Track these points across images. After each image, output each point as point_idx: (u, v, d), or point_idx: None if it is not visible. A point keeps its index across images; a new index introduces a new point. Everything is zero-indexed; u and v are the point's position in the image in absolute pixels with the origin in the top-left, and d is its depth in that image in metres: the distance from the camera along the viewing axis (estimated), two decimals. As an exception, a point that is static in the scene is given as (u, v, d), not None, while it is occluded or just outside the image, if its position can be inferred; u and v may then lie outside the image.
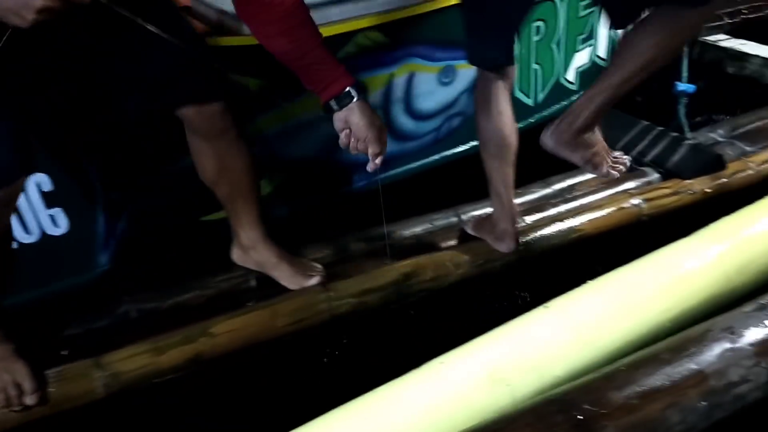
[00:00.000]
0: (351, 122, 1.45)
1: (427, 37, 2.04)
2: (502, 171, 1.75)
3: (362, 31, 1.91)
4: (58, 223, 1.68)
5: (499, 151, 1.71)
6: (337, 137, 1.50)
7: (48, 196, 1.64)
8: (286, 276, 1.75)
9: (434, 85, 2.12)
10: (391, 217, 1.85)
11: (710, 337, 1.15)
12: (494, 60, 1.62)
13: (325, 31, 1.42)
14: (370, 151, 1.48)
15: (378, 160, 1.51)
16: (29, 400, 1.41)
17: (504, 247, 1.83)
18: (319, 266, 1.78)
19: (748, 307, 1.20)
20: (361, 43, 1.93)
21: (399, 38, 1.98)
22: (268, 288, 1.73)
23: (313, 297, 1.66)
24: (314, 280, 1.73)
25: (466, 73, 2.16)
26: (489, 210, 1.89)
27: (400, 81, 2.05)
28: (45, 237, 1.65)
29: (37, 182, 1.61)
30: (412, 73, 2.06)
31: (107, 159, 1.70)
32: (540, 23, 2.24)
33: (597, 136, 1.81)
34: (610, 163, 1.90)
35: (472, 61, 1.67)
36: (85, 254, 1.74)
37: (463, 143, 2.28)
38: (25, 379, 1.41)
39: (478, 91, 1.69)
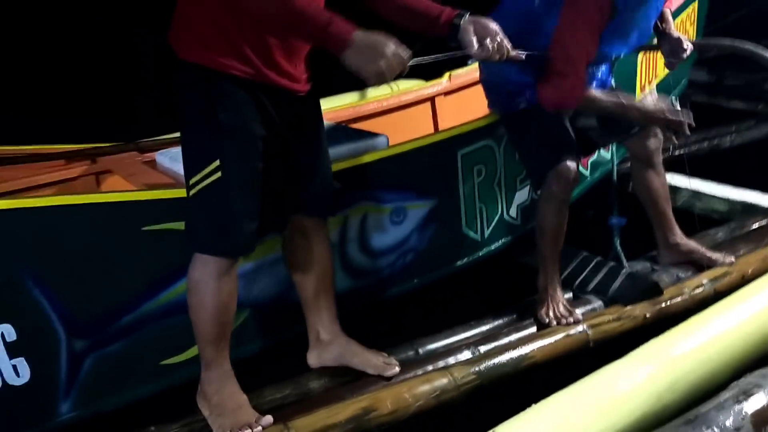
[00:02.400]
0: (478, 27, 1.72)
1: (376, 182, 2.22)
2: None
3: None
4: (20, 372, 1.70)
5: None
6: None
7: (11, 346, 1.67)
8: (367, 363, 1.94)
9: (386, 224, 2.27)
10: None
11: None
12: None
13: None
14: (509, 49, 1.76)
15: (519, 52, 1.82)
16: None
17: None
18: (394, 360, 1.97)
19: (677, 422, 1.28)
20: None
21: (351, 184, 2.15)
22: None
23: (274, 437, 1.68)
24: (394, 370, 1.92)
25: (415, 212, 2.33)
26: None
27: (354, 221, 2.19)
28: (5, 387, 1.66)
29: (1, 332, 1.65)
30: (365, 214, 2.21)
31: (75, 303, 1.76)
32: (480, 166, 2.45)
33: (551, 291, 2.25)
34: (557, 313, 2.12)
35: None
36: (46, 403, 1.74)
37: (417, 277, 2.40)
38: None
39: None
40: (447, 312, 2.36)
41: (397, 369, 1.94)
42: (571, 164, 2.12)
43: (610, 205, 2.55)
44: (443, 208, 2.39)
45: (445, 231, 2.43)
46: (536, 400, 1.63)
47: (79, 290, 1.75)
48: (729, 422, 1.23)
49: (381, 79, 1.50)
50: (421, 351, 2.12)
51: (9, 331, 1.66)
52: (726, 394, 1.33)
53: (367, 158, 2.16)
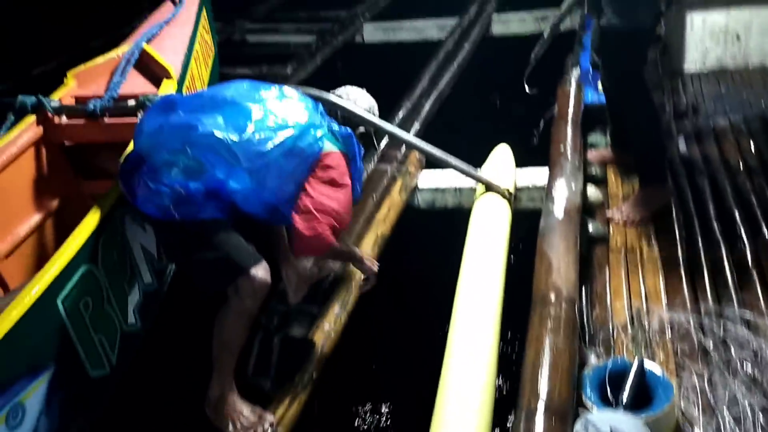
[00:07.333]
0: None
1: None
2: None
3: None
4: None
5: None
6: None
7: None
8: None
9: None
10: None
11: None
12: None
13: None
14: None
15: None
16: None
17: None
18: None
19: None
20: None
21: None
22: None
23: None
24: None
25: (34, 397, 1.78)
26: None
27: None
28: None
29: None
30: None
31: None
32: (87, 298, 1.98)
33: None
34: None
35: None
36: None
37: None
38: None
39: None
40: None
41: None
42: (264, 272, 1.94)
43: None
44: (62, 369, 1.88)
45: (73, 393, 1.93)
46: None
47: None
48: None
49: None
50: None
51: None
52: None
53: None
